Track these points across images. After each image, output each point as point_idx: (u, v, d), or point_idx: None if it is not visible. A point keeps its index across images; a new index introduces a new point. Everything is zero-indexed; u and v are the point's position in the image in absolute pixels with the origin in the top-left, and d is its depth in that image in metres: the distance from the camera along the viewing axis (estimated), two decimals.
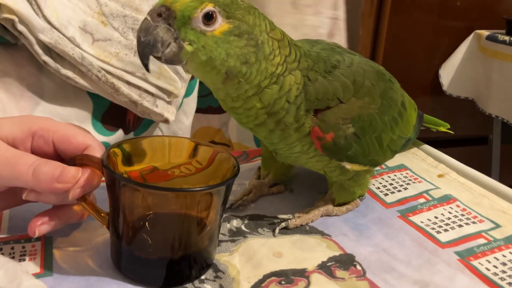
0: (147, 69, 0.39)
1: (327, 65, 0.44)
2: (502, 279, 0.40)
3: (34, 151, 0.41)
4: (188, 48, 0.38)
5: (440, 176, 0.57)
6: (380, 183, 0.56)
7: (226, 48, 0.38)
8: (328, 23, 0.96)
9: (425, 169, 0.59)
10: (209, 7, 0.37)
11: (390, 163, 0.60)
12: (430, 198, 0.52)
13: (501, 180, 0.55)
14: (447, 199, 0.52)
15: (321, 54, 0.45)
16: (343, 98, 0.44)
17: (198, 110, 0.74)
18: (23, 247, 0.44)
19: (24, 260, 0.42)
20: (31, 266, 0.41)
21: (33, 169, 0.37)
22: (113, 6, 0.58)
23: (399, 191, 0.54)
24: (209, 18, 0.37)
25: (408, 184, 0.56)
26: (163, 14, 0.37)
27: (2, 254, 0.42)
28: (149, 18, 0.37)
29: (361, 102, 0.45)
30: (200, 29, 0.37)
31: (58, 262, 0.42)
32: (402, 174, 0.58)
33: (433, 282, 0.40)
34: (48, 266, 0.41)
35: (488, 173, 1.69)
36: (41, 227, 0.39)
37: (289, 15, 0.91)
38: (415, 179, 0.56)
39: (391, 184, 0.56)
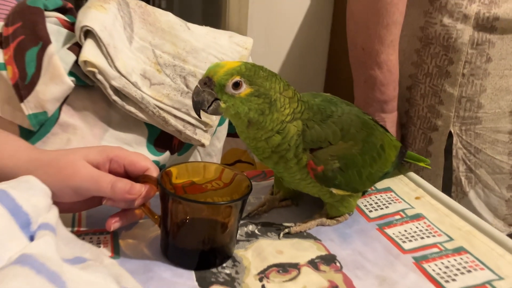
0: (199, 117, 0.56)
1: (323, 115, 0.59)
2: (441, 277, 0.54)
3: (110, 172, 0.57)
4: (223, 105, 0.54)
5: (417, 198, 0.71)
6: (368, 201, 0.71)
7: (248, 105, 0.54)
8: None
9: (406, 192, 0.73)
10: (236, 79, 0.53)
11: (379, 185, 0.74)
12: (405, 216, 0.67)
13: None
14: (417, 217, 0.66)
15: (320, 106, 0.60)
16: (332, 141, 0.59)
17: (229, 135, 0.90)
18: (98, 238, 0.60)
19: (99, 246, 0.59)
20: (105, 251, 0.58)
21: (111, 184, 0.54)
22: (166, 57, 0.75)
23: (382, 208, 0.69)
24: (236, 85, 0.53)
25: (389, 203, 0.70)
26: (207, 82, 0.53)
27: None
28: (198, 85, 0.54)
29: (346, 145, 0.59)
30: (231, 93, 0.53)
31: (123, 249, 0.58)
32: (387, 195, 0.72)
33: (390, 277, 0.54)
34: (116, 251, 0.57)
35: None
36: (114, 224, 0.56)
37: None
38: (396, 199, 0.71)
39: (376, 203, 0.70)
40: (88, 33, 0.69)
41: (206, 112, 0.55)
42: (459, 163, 0.96)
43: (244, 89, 0.53)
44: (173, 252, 0.56)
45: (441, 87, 0.94)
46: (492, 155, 0.95)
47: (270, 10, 1.93)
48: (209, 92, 0.54)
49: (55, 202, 0.54)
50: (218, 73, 0.53)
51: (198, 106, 0.54)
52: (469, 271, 0.55)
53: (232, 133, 0.91)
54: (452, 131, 0.95)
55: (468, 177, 0.97)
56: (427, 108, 0.98)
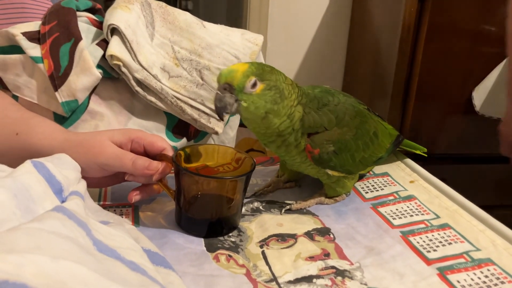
0: (222, 120, 0.62)
1: (319, 103, 0.65)
2: (424, 248, 0.60)
3: (132, 151, 0.64)
4: (244, 104, 0.59)
5: (411, 182, 0.77)
6: (365, 184, 0.77)
7: (264, 99, 0.59)
8: None
9: (402, 176, 0.79)
10: (253, 79, 0.58)
11: (377, 171, 0.81)
12: (398, 196, 0.73)
13: None
14: (409, 198, 0.72)
15: (317, 95, 0.67)
16: (328, 127, 0.65)
17: (242, 125, 0.97)
18: (121, 210, 0.68)
19: (122, 217, 0.67)
20: (127, 221, 0.66)
21: (132, 161, 0.62)
22: (183, 52, 0.83)
23: (377, 190, 0.75)
24: (254, 84, 0.59)
25: (385, 186, 0.76)
26: (227, 88, 0.59)
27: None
28: (219, 92, 0.59)
29: (341, 131, 0.66)
30: (250, 92, 0.59)
31: (142, 220, 0.66)
32: (384, 179, 0.78)
33: (377, 247, 0.61)
34: (136, 221, 0.65)
35: None
36: (135, 196, 0.64)
37: None
38: (392, 183, 0.77)
39: (372, 185, 0.77)
40: (114, 30, 0.77)
41: (229, 114, 0.61)
42: None
43: (259, 86, 0.59)
44: (186, 222, 0.63)
45: None
46: None
47: (290, 11, 2.00)
48: (230, 96, 0.59)
49: (84, 177, 0.62)
50: (236, 77, 0.58)
51: (221, 111, 0.60)
52: (450, 243, 0.61)
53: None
54: None
55: None
56: None
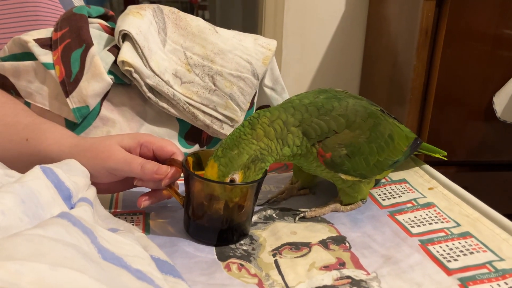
0: None
1: (320, 111, 0.62)
2: (444, 257, 0.57)
3: (141, 155, 0.63)
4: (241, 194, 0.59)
5: (430, 188, 0.74)
6: (382, 191, 0.75)
7: (251, 176, 0.58)
8: None
9: (420, 183, 0.76)
10: (227, 179, 0.57)
11: (395, 177, 0.78)
12: (416, 204, 0.70)
13: None
14: (428, 205, 0.69)
15: (317, 104, 0.63)
16: (338, 130, 0.63)
17: None
18: (132, 218, 0.67)
19: (133, 225, 0.66)
20: (137, 228, 0.64)
21: (141, 166, 0.61)
22: (195, 58, 0.82)
23: (394, 197, 0.73)
24: (231, 181, 0.58)
25: (403, 193, 0.73)
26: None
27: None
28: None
29: (353, 133, 0.63)
30: (235, 185, 0.58)
31: (152, 228, 0.64)
32: (401, 186, 0.76)
33: (395, 256, 0.58)
34: (147, 229, 0.64)
35: None
36: (144, 202, 0.63)
37: None
38: (410, 190, 0.74)
39: (390, 192, 0.74)
40: (126, 36, 0.77)
41: None
42: None
43: (238, 176, 0.58)
44: (195, 229, 0.62)
45: None
46: None
47: (305, 18, 1.99)
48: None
49: (94, 183, 0.61)
50: (216, 190, 0.58)
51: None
52: (471, 253, 0.58)
53: None
54: None
55: None
56: None
